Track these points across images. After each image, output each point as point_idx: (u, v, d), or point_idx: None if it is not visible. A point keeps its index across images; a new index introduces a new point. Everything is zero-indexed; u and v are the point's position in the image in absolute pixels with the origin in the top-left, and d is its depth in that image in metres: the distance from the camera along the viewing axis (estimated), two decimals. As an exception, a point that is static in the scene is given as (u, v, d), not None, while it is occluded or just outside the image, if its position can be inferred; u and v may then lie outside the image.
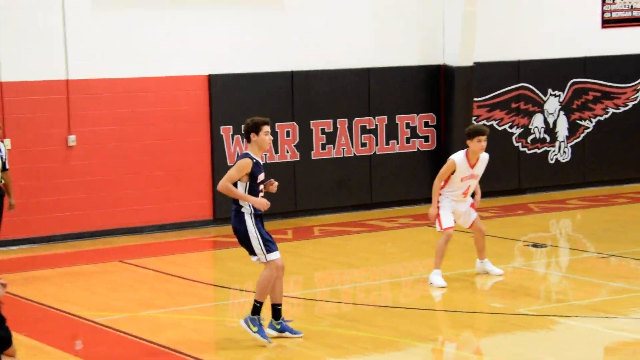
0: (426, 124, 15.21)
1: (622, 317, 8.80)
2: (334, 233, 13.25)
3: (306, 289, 10.38)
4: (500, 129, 15.50)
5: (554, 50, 15.88)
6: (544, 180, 16.00)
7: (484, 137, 9.98)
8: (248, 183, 8.07)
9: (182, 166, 13.81)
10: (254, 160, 8.09)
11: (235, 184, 8.07)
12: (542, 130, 15.93)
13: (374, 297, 10.06)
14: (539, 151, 15.92)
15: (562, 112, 16.00)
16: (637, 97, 16.43)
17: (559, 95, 15.95)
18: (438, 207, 10.12)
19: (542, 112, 15.90)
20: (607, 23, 16.16)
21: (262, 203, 8.06)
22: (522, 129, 15.75)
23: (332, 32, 14.55)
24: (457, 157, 10.10)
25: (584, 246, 12.29)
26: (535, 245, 12.06)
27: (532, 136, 15.86)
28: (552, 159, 16.04)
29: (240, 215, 8.11)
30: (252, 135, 8.13)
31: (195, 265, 11.88)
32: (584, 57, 16.03)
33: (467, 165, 10.08)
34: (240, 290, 10.47)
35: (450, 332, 8.80)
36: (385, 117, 14.93)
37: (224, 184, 8.05)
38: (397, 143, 15.03)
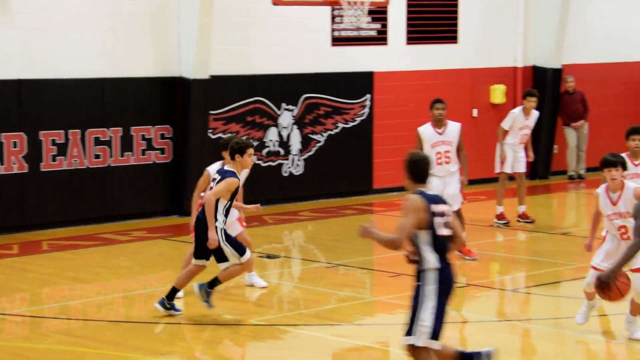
0: (162, 136, 15.11)
1: (347, 324, 9.16)
2: (64, 247, 12.85)
3: (33, 305, 9.98)
4: (235, 141, 15.68)
5: (287, 65, 16.29)
6: (278, 193, 16.34)
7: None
8: (228, 202, 8.97)
9: None
10: (238, 179, 8.97)
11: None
12: (277, 143, 16.28)
13: (105, 312, 9.85)
14: (273, 164, 16.25)
15: (295, 126, 16.43)
16: (364, 112, 17.17)
17: (293, 110, 16.38)
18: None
19: (277, 125, 16.25)
20: (336, 41, 16.78)
21: (213, 238, 8.89)
22: (257, 142, 16.01)
23: (62, 41, 14.11)
24: (212, 168, 10.15)
25: (315, 256, 12.67)
26: (269, 257, 12.28)
27: (267, 149, 16.16)
28: (286, 172, 16.43)
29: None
30: (237, 157, 9.08)
31: None
32: (316, 73, 16.56)
33: None
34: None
35: (181, 345, 8.77)
36: (120, 128, 14.68)
37: (211, 199, 8.85)
38: (133, 155, 14.82)
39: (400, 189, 17.59)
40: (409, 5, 17.39)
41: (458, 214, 11.73)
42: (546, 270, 11.30)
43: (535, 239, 13.41)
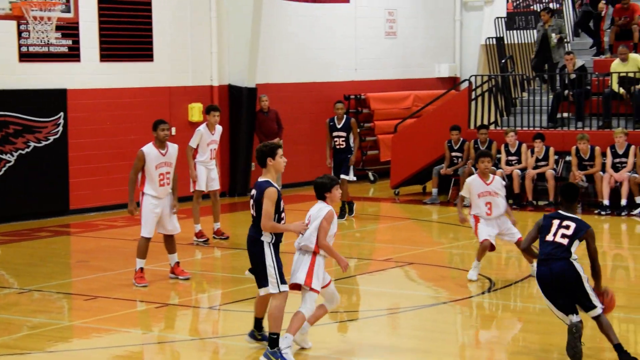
0: None
1: (38, 352, 8.75)
2: None
3: None
4: None
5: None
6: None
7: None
8: (275, 215, 8.20)
9: None
10: (277, 188, 8.30)
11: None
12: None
13: None
14: (-42, 186, 15.30)
15: (-18, 146, 15.59)
16: (57, 131, 16.59)
17: (-24, 129, 15.53)
18: None
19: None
20: (24, 57, 16.09)
21: (300, 227, 8.28)
22: (-60, 164, 15.00)
23: None
24: None
25: (6, 282, 12.05)
26: (-47, 285, 11.50)
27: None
28: (-28, 194, 15.52)
29: (260, 244, 8.20)
30: (269, 160, 8.40)
31: None
32: (3, 90, 15.79)
33: None
34: None
35: None
36: None
37: (268, 224, 8.16)
38: None
39: (98, 209, 17.20)
40: (101, 22, 17.07)
41: (172, 238, 11.60)
42: (243, 286, 11.44)
43: (233, 255, 13.57)
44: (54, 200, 16.66)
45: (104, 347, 8.99)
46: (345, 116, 16.27)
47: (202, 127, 14.08)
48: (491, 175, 11.30)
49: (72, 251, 14.59)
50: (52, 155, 16.52)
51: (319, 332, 8.98)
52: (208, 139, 13.99)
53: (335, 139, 16.08)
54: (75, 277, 12.38)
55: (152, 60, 17.97)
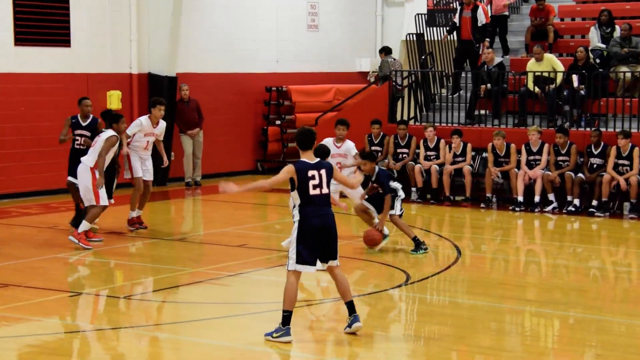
0: None
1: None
2: None
3: None
4: None
5: None
6: None
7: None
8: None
9: None
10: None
11: None
12: None
13: None
14: None
15: None
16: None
17: None
18: None
19: None
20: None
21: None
22: None
23: None
24: None
25: None
26: None
27: None
28: None
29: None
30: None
31: None
32: None
33: None
34: None
35: None
36: None
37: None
38: None
39: (11, 195, 16.82)
40: (15, 5, 16.69)
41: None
42: (163, 275, 11.34)
43: (153, 245, 13.43)
44: (-34, 187, 16.27)
45: (14, 336, 8.78)
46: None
47: (144, 119, 13.86)
48: (346, 141, 13.40)
49: (-16, 239, 14.25)
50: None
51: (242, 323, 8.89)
52: (148, 131, 13.83)
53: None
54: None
55: (69, 46, 17.65)
